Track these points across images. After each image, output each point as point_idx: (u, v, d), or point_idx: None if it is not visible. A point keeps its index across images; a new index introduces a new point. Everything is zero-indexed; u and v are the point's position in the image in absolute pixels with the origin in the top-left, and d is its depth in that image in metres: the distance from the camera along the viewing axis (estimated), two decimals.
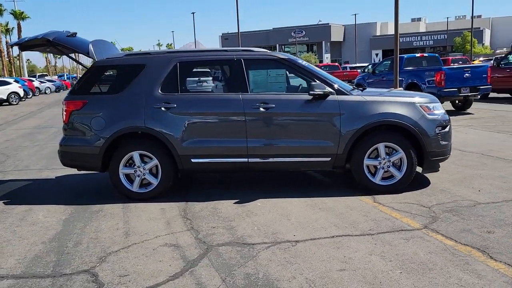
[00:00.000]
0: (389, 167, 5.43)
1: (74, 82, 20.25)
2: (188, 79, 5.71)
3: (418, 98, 5.57)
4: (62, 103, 5.74)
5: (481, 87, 13.05)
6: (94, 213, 5.17)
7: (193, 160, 5.47)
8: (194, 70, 5.87)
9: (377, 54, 72.39)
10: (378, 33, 77.45)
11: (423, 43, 72.99)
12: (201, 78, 5.98)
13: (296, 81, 5.94)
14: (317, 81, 5.35)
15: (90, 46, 5.75)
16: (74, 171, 7.33)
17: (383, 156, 5.41)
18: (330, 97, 5.37)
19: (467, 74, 12.85)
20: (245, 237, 4.25)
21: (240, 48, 5.78)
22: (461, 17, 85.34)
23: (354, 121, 5.33)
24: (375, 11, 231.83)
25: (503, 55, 18.16)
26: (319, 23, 77.59)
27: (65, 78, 60.79)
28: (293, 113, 5.41)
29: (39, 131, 13.43)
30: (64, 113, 5.62)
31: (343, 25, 77.89)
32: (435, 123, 5.44)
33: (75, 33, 5.97)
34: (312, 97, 5.35)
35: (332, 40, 75.18)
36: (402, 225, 4.38)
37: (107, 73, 5.76)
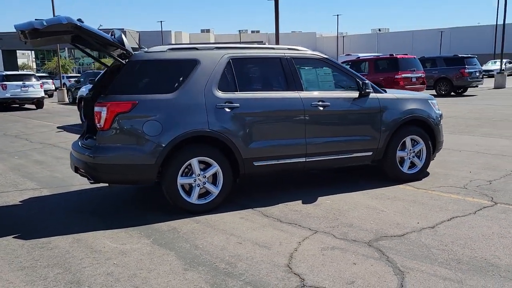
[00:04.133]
0: (414, 157, 6.11)
1: None
2: (243, 76, 5.30)
3: (428, 96, 6.40)
4: (97, 105, 4.65)
5: None
6: (173, 232, 4.40)
7: (255, 163, 5.14)
8: (247, 67, 5.44)
9: None
10: (173, 41, 79.00)
11: None
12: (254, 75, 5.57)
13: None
14: (364, 81, 5.66)
15: (123, 37, 4.83)
16: (39, 192, 5.97)
17: (409, 148, 6.05)
18: (371, 95, 5.74)
19: None
20: (384, 230, 4.28)
21: (286, 46, 5.65)
22: (243, 30, 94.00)
23: (391, 116, 5.82)
24: (168, 21, 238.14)
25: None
26: (100, 27, 74.91)
27: None
28: (346, 110, 5.60)
29: None
30: (105, 116, 4.58)
31: (137, 32, 76.88)
32: (440, 117, 6.35)
33: (82, 20, 4.90)
34: (358, 95, 5.64)
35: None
36: (477, 203, 5.03)
37: (147, 69, 4.89)
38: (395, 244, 3.96)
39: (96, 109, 4.65)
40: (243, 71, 5.27)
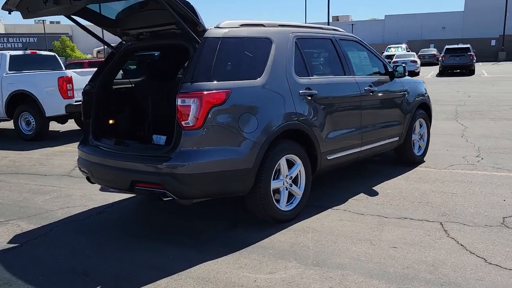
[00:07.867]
0: (419, 139, 6.25)
1: None
2: (309, 59, 4.58)
3: (421, 80, 6.59)
4: (183, 96, 3.43)
5: None
6: (301, 247, 3.58)
7: (328, 158, 4.56)
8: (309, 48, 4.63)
9: None
10: None
11: (12, 45, 67.99)
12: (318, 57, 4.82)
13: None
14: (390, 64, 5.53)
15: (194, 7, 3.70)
16: (17, 226, 4.44)
17: (418, 130, 6.17)
18: (396, 79, 5.64)
19: None
20: (492, 212, 4.22)
21: (330, 27, 5.10)
22: (55, 22, 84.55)
23: (411, 100, 5.83)
24: None
25: None
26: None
27: None
28: (386, 95, 5.39)
29: None
30: (197, 111, 3.43)
31: None
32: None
33: None
34: (389, 78, 5.49)
35: None
36: None
37: (227, 49, 3.81)
38: None
39: (181, 102, 3.44)
40: (308, 53, 4.59)
